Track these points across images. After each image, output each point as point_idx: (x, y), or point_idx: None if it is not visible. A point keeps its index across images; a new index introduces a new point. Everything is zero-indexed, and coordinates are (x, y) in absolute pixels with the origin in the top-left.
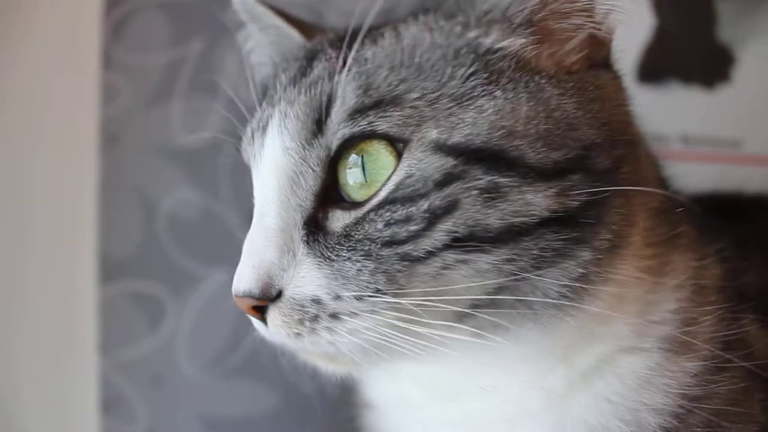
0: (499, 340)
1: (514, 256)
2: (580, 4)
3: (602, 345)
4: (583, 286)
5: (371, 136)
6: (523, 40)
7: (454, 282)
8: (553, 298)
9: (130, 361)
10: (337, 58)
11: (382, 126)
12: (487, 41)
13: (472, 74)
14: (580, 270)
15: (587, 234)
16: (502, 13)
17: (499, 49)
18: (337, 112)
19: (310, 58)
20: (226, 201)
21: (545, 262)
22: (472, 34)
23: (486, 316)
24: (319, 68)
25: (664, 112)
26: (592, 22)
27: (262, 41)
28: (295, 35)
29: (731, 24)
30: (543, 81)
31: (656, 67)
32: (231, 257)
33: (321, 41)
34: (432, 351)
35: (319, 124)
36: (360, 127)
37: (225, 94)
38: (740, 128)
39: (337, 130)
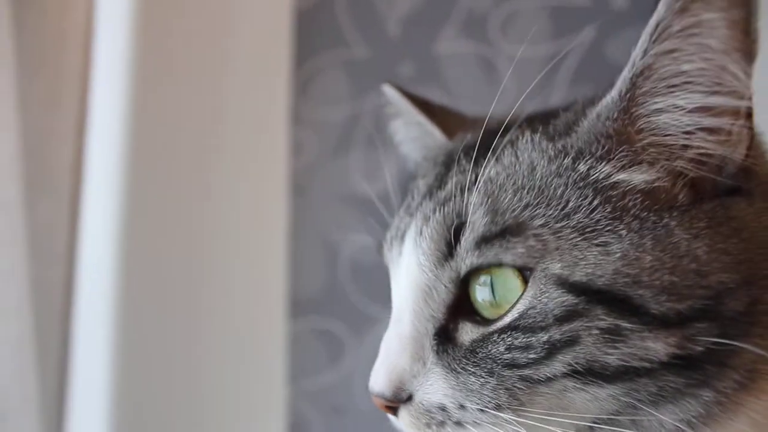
0: None
1: (631, 391)
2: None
3: None
4: (704, 423)
5: (498, 265)
6: (644, 176)
7: (575, 403)
8: (670, 430)
9: (314, 391)
10: (469, 172)
11: (507, 258)
12: (601, 175)
13: (596, 207)
14: (701, 410)
15: (711, 376)
16: (605, 150)
17: (617, 183)
18: (467, 240)
19: (448, 165)
20: None
21: (663, 399)
22: (581, 167)
23: None
24: (453, 181)
25: None
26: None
27: (408, 136)
28: (436, 134)
29: None
30: (673, 223)
31: None
32: None
33: (459, 145)
34: None
35: (449, 248)
36: (487, 259)
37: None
38: None
39: (466, 257)
